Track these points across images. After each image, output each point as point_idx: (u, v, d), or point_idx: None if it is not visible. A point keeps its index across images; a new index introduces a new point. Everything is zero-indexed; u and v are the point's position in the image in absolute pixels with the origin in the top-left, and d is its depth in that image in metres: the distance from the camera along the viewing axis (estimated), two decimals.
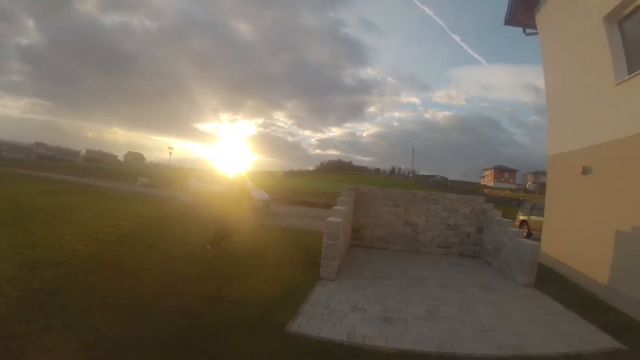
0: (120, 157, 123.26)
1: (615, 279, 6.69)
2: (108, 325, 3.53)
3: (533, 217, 14.67)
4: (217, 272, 5.68)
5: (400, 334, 4.11)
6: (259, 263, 6.44)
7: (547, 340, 4.36)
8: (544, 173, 10.55)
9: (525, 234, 14.52)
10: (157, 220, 10.19)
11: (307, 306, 4.66)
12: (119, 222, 8.94)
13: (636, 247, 6.31)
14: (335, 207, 7.54)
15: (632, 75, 6.68)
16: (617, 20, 7.15)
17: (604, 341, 4.47)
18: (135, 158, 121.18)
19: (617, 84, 7.02)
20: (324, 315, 4.43)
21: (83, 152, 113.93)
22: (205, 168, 24.59)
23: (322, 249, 5.98)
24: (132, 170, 46.63)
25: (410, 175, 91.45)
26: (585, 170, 8.02)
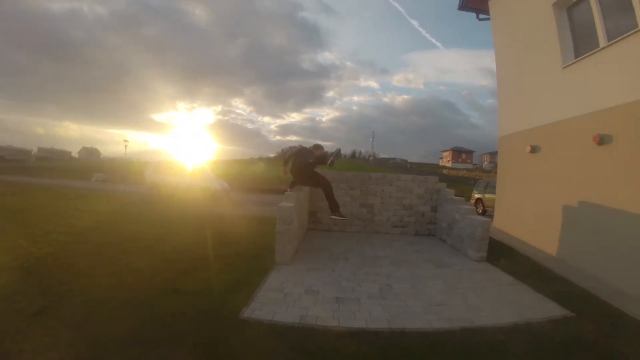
0: (75, 154, 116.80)
1: (563, 250, 7.07)
2: (61, 327, 3.39)
3: (487, 195, 15.26)
4: (172, 264, 5.55)
5: (352, 313, 4.11)
6: (215, 253, 6.31)
7: (497, 311, 4.43)
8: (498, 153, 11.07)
9: (480, 211, 15.25)
10: (112, 216, 9.78)
11: (262, 292, 4.60)
12: (72, 221, 8.47)
13: (582, 220, 6.66)
14: (288, 192, 7.41)
15: (579, 58, 6.98)
16: (566, 7, 7.45)
17: (552, 309, 4.60)
18: (90, 153, 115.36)
19: (564, 67, 7.31)
20: (277, 300, 4.37)
21: (35, 150, 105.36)
22: (162, 160, 23.74)
23: (276, 234, 5.93)
24: (88, 167, 44.83)
25: (371, 158, 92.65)
26: (534, 149, 8.38)
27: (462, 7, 11.22)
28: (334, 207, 7.20)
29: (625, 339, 3.89)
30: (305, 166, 7.27)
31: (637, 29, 5.50)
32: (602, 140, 6.15)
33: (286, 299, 4.43)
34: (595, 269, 6.10)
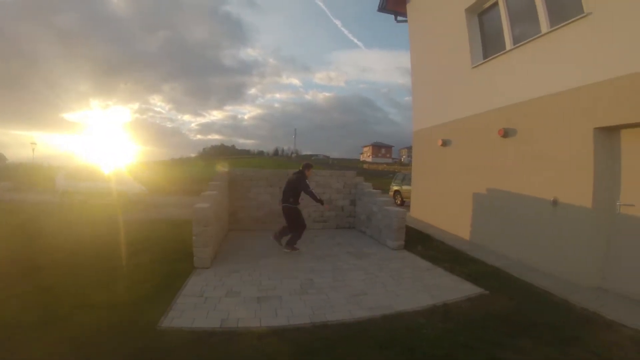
0: None
1: (475, 234, 7.65)
2: None
3: (404, 187, 16.01)
4: (86, 277, 4.96)
5: (274, 311, 4.00)
6: (132, 261, 5.79)
7: (416, 296, 4.56)
8: None
9: (398, 202, 15.91)
10: (19, 229, 8.44)
11: (180, 298, 4.30)
12: None
13: (490, 205, 7.22)
14: (205, 192, 7.00)
15: (487, 59, 7.52)
16: (478, 12, 8.01)
17: (468, 289, 4.87)
18: None
19: (473, 67, 7.85)
20: (197, 305, 4.12)
21: None
22: (75, 164, 21.34)
23: (193, 237, 5.56)
24: None
25: (293, 155, 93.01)
26: (445, 143, 8.92)
27: (382, 9, 11.65)
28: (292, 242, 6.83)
29: (535, 309, 4.22)
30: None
31: (540, 35, 6.07)
32: (506, 133, 6.72)
33: (206, 303, 4.21)
34: (504, 248, 6.70)
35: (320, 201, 6.94)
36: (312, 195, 6.84)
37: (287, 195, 6.84)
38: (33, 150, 40.83)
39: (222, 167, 11.73)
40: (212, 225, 6.01)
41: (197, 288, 4.67)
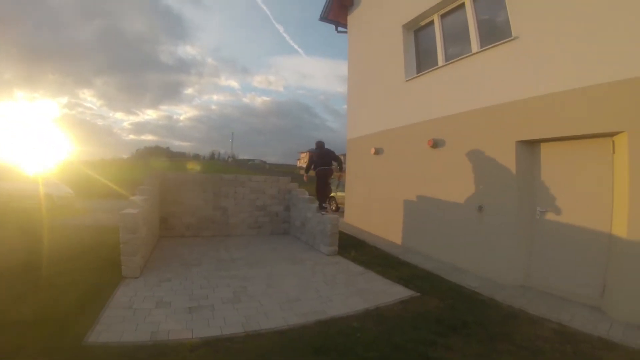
0: None
1: (406, 238, 7.94)
2: None
3: (339, 193, 16.22)
4: (4, 290, 4.40)
5: (206, 322, 3.82)
6: (57, 270, 5.21)
7: (348, 300, 4.59)
8: None
9: (333, 208, 16.09)
10: None
11: (108, 311, 3.95)
12: None
13: (419, 211, 7.55)
14: (134, 197, 6.54)
15: (420, 74, 7.92)
16: (414, 29, 8.41)
17: (399, 292, 4.99)
18: None
19: (406, 81, 8.21)
20: (125, 318, 3.81)
21: None
22: None
23: (121, 245, 5.14)
24: None
25: (230, 159, 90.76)
26: (377, 151, 9.21)
27: (323, 18, 11.85)
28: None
29: (465, 309, 4.44)
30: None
31: (470, 54, 6.53)
32: (435, 143, 7.09)
33: (135, 315, 3.91)
34: (435, 252, 7.04)
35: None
36: (341, 162, 9.13)
37: (328, 160, 8.45)
38: None
39: (155, 170, 11.13)
40: (142, 232, 5.61)
41: (125, 299, 4.34)
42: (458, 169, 6.56)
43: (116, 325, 3.66)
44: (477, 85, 6.32)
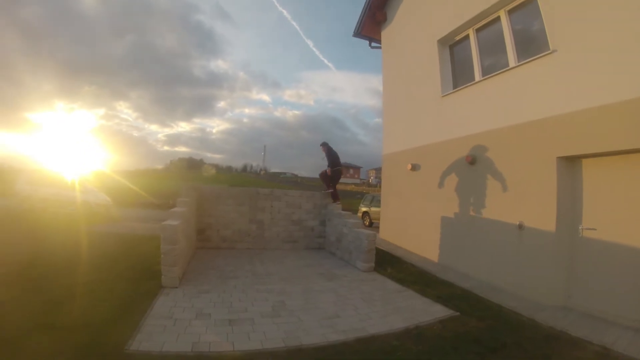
0: None
1: (444, 256, 7.88)
2: None
3: (373, 208, 16.24)
4: (44, 294, 4.65)
5: (246, 335, 3.90)
6: (95, 278, 5.48)
7: (388, 318, 4.61)
8: None
9: (367, 223, 16.10)
10: None
11: (149, 320, 4.11)
12: None
13: (457, 228, 7.48)
14: (174, 209, 6.86)
15: (456, 89, 7.93)
16: (449, 43, 8.46)
17: (439, 311, 4.98)
18: None
19: (443, 96, 8.24)
20: (166, 327, 3.94)
21: None
22: (37, 167, 20.20)
23: (161, 255, 5.39)
24: None
25: (262, 172, 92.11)
26: (414, 167, 9.21)
27: (357, 34, 12.07)
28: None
29: (505, 329, 4.41)
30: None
31: (507, 68, 6.52)
32: (474, 159, 7.03)
33: (176, 325, 4.05)
34: (473, 270, 6.96)
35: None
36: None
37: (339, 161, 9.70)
38: None
39: (191, 182, 11.52)
40: (181, 243, 5.87)
41: (165, 309, 4.50)
42: (497, 185, 6.51)
43: (157, 334, 3.78)
44: (515, 100, 6.30)
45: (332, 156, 9.61)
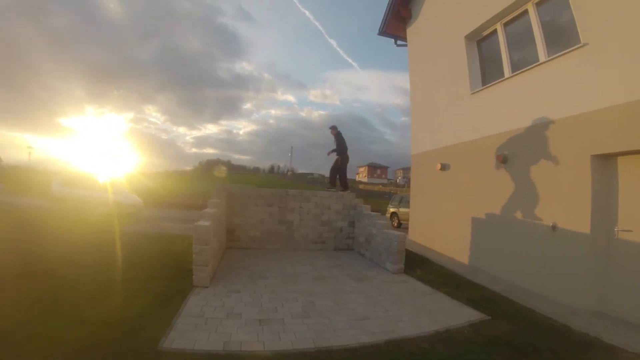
0: None
1: (473, 258, 7.78)
2: None
3: (402, 209, 16.13)
4: (78, 290, 4.87)
5: (277, 335, 3.97)
6: (127, 276, 5.71)
7: (418, 321, 4.61)
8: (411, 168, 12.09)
9: (395, 224, 16.02)
10: (11, 233, 8.35)
11: (181, 318, 4.25)
12: None
13: (488, 229, 7.38)
14: (205, 209, 7.08)
15: (486, 86, 7.80)
16: (477, 39, 8.34)
17: (469, 314, 4.94)
18: None
19: (472, 94, 8.12)
20: (198, 326, 4.06)
21: None
22: (70, 170, 21.36)
23: (193, 255, 5.57)
24: None
25: (289, 173, 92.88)
26: (443, 167, 9.12)
27: (382, 32, 12.04)
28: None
29: (537, 334, 4.34)
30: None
31: (537, 63, 6.37)
32: (505, 159, 6.93)
33: (207, 324, 4.16)
34: (504, 273, 6.85)
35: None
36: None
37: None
38: (29, 154, 40.90)
39: (220, 183, 11.82)
40: (212, 243, 6.05)
41: (197, 308, 4.64)
42: (528, 185, 6.39)
43: (189, 332, 3.88)
44: (547, 96, 6.16)
45: (341, 141, 10.00)
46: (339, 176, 10.31)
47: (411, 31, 11.32)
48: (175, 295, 5.00)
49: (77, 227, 10.21)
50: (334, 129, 10.25)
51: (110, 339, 3.58)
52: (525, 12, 6.77)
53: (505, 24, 7.39)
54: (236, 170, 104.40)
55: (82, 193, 14.73)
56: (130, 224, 11.99)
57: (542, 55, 6.35)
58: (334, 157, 10.15)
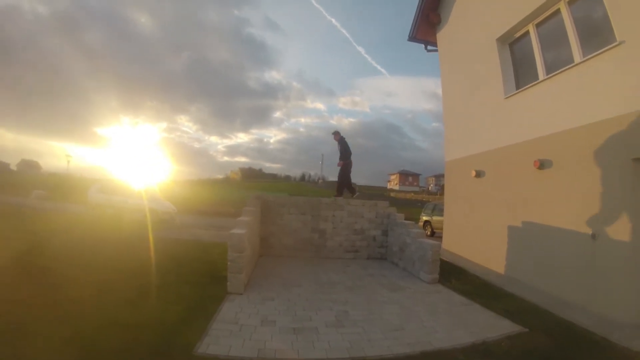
0: (13, 166, 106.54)
1: (510, 268, 7.56)
2: None
3: (435, 217, 15.89)
4: (116, 294, 5.13)
5: (311, 344, 4.03)
6: (162, 281, 5.96)
7: (454, 332, 4.57)
8: (443, 175, 11.91)
9: (428, 233, 15.79)
10: (51, 238, 8.93)
11: (216, 324, 4.38)
12: (8, 243, 7.67)
13: (526, 238, 7.17)
14: (240, 217, 7.27)
15: (520, 90, 7.65)
16: (509, 42, 8.21)
17: (506, 326, 4.86)
18: (30, 166, 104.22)
19: (506, 98, 7.97)
20: (233, 332, 4.18)
21: None
22: (107, 178, 22.59)
23: (228, 262, 5.74)
24: (27, 181, 41.34)
25: (320, 181, 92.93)
26: (478, 174, 8.95)
27: (412, 38, 12.03)
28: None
29: (576, 348, 4.23)
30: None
31: (572, 64, 6.21)
32: (542, 165, 6.74)
33: (242, 331, 4.25)
34: (541, 283, 6.62)
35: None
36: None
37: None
38: (68, 162, 43.35)
39: (254, 192, 12.14)
40: (247, 251, 6.20)
41: (231, 314, 4.74)
42: (567, 192, 6.20)
43: (224, 339, 3.96)
44: (583, 98, 5.97)
45: (345, 147, 10.11)
46: (345, 182, 10.47)
47: (441, 36, 11.25)
48: (209, 301, 5.13)
49: (113, 233, 10.69)
50: (336, 134, 10.36)
51: (147, 341, 3.72)
52: (558, 11, 6.63)
53: (538, 25, 7.24)
54: (267, 179, 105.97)
55: (118, 200, 15.46)
56: (165, 230, 12.38)
57: (577, 55, 6.18)
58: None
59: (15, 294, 4.79)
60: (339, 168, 10.30)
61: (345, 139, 10.27)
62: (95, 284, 5.51)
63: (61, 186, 33.69)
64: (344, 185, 10.36)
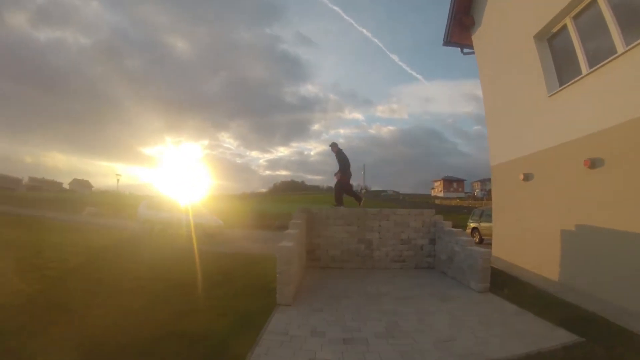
0: (66, 185, 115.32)
1: (565, 274, 7.22)
2: None
3: (483, 224, 15.43)
4: (169, 305, 5.46)
5: (361, 355, 4.04)
6: (213, 293, 6.26)
7: (507, 343, 4.48)
8: (489, 180, 11.59)
9: (476, 240, 15.36)
10: (104, 252, 9.68)
11: (266, 335, 4.53)
12: (64, 256, 8.35)
13: (581, 243, 6.84)
14: (287, 230, 7.51)
15: (563, 87, 7.41)
16: (547, 37, 8.01)
17: (562, 336, 4.68)
18: (82, 185, 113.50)
19: (549, 96, 7.73)
20: (283, 343, 4.29)
21: (25, 179, 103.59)
22: (154, 195, 24.10)
23: (277, 275, 5.94)
24: (79, 199, 44.85)
25: (363, 191, 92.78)
26: (526, 177, 8.68)
27: (447, 43, 11.92)
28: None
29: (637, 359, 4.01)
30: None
31: (616, 55, 5.95)
32: (593, 164, 6.44)
33: (292, 342, 4.34)
34: (599, 290, 6.26)
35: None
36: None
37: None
38: (118, 181, 46.69)
39: (295, 205, 12.46)
40: (295, 263, 6.40)
41: (281, 326, 4.85)
42: (624, 191, 5.86)
43: (274, 349, 4.04)
44: (632, 90, 5.65)
45: (343, 158, 10.27)
46: (345, 191, 10.58)
47: (477, 38, 11.08)
48: (259, 313, 5.29)
49: (164, 247, 11.25)
50: (334, 146, 10.52)
51: (200, 351, 3.90)
52: (594, 1, 6.38)
53: (575, 17, 7.00)
54: (310, 191, 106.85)
55: (166, 215, 16.23)
56: (213, 244, 12.90)
57: (619, 46, 5.89)
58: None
59: (71, 304, 5.19)
60: (350, 178, 10.60)
61: (343, 151, 10.48)
62: (148, 295, 5.85)
63: (112, 203, 35.91)
64: (342, 193, 10.52)
